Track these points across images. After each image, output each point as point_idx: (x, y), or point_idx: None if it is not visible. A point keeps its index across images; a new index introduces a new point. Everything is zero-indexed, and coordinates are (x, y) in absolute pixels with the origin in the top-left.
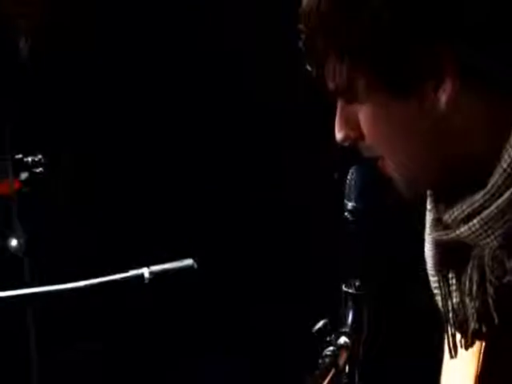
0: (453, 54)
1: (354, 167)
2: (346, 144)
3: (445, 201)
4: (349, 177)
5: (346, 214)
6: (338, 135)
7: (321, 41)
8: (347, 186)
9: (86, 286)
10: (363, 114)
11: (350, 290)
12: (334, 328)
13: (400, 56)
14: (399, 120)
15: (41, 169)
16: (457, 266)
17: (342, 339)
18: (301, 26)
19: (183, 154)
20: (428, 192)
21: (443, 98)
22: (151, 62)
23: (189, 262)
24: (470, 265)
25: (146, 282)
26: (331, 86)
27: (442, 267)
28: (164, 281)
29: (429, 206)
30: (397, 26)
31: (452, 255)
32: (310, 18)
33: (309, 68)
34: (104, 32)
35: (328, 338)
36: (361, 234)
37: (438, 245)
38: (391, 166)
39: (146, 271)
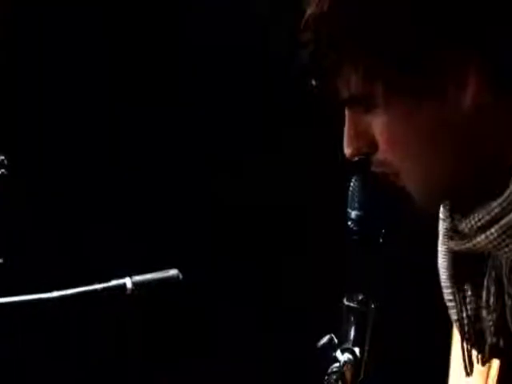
0: (478, 56)
1: (358, 172)
2: (356, 159)
3: (461, 209)
4: (352, 184)
5: (349, 223)
6: (348, 150)
7: (334, 51)
8: (350, 194)
9: (63, 296)
10: (380, 123)
11: (352, 305)
12: (340, 343)
13: (423, 59)
14: (420, 126)
15: (3, 170)
16: (473, 278)
17: (346, 356)
18: (306, 36)
19: (166, 153)
20: None
21: (467, 101)
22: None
23: (174, 272)
24: (487, 276)
25: (129, 292)
26: (345, 95)
27: (457, 279)
28: (147, 291)
29: (442, 215)
30: (420, 29)
31: (468, 266)
32: (320, 28)
33: (313, 79)
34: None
35: (333, 354)
36: (365, 245)
37: (454, 255)
38: (407, 179)
39: (128, 281)
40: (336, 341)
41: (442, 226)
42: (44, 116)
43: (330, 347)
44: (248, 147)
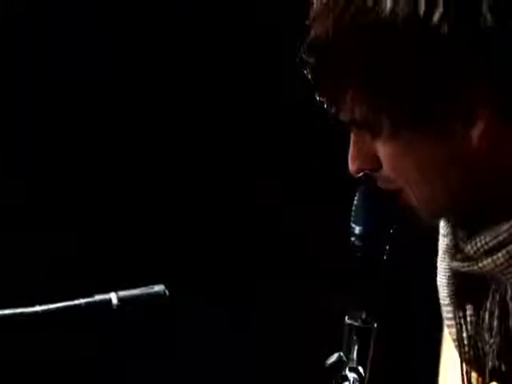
0: (486, 89)
1: (361, 186)
2: (360, 175)
3: (466, 228)
4: (356, 197)
5: (353, 239)
6: (352, 167)
7: (337, 76)
8: (354, 208)
9: (46, 311)
10: (384, 152)
11: (356, 323)
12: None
13: (429, 93)
14: (425, 160)
15: None
16: (475, 297)
17: (351, 375)
18: (309, 57)
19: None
20: None
21: (475, 138)
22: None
23: (160, 287)
24: (490, 298)
25: (114, 308)
26: (347, 119)
27: (457, 297)
28: (133, 307)
29: (443, 231)
30: (425, 61)
31: (469, 285)
32: (325, 50)
33: (318, 97)
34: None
35: (343, 373)
36: (370, 262)
37: (454, 273)
38: (411, 197)
39: (113, 296)
40: (345, 359)
41: (442, 242)
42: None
43: (339, 365)
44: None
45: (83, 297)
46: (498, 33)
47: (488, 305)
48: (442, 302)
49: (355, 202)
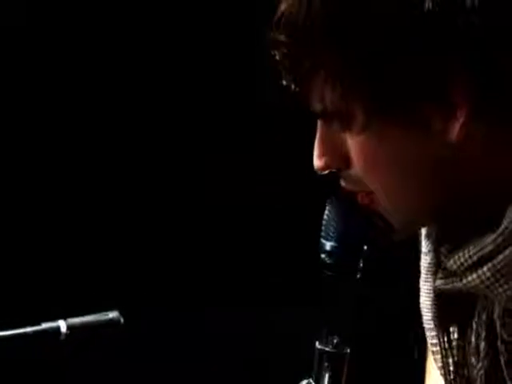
0: (466, 81)
1: (332, 197)
2: (325, 172)
3: (448, 243)
4: (327, 209)
5: (323, 256)
6: (318, 162)
7: (308, 59)
8: (324, 221)
9: None
10: (356, 144)
11: (327, 349)
12: None
13: (406, 80)
14: (401, 154)
15: None
16: (460, 319)
17: None
18: (279, 35)
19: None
20: (424, 232)
21: (454, 126)
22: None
23: (114, 314)
24: (476, 318)
25: (63, 337)
26: (317, 108)
27: (441, 320)
28: (84, 336)
29: (425, 249)
30: (403, 48)
31: (454, 306)
32: (296, 31)
33: (286, 82)
34: None
35: None
36: (342, 281)
37: (438, 294)
38: (384, 202)
39: (62, 324)
40: None
41: (424, 261)
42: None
43: None
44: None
45: (32, 324)
46: (479, 22)
47: (474, 326)
48: (425, 325)
49: (325, 216)
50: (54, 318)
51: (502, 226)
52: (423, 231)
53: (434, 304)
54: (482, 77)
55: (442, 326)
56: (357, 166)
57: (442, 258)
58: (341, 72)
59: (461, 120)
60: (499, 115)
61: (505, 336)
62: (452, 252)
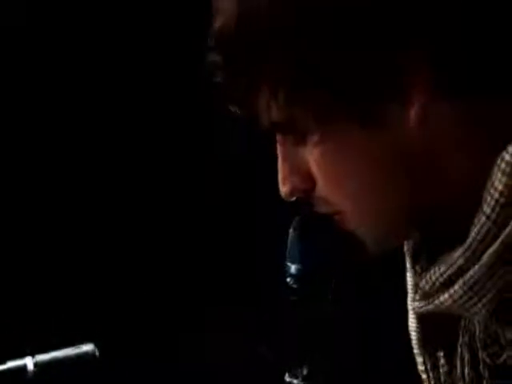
0: (420, 63)
1: (298, 216)
2: (293, 199)
3: (423, 259)
4: (291, 229)
5: (288, 279)
6: (284, 188)
7: (247, 74)
8: (289, 243)
9: None
10: (313, 156)
11: (295, 381)
12: None
13: (353, 75)
14: (360, 157)
15: None
16: (446, 343)
17: None
18: (214, 56)
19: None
20: (405, 247)
21: (412, 118)
22: None
23: (89, 347)
24: (461, 339)
25: (30, 375)
26: (265, 123)
27: (427, 343)
28: (55, 373)
29: (408, 265)
30: (344, 37)
31: (438, 328)
32: (230, 46)
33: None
34: None
35: None
36: (309, 307)
37: (421, 317)
38: (354, 220)
39: (29, 361)
40: None
41: (408, 280)
42: None
43: None
44: None
45: None
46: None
47: (459, 348)
48: (414, 349)
49: (290, 237)
50: (22, 355)
51: (470, 238)
52: (406, 247)
53: (419, 327)
54: (435, 56)
55: (427, 349)
56: (320, 184)
57: (416, 278)
58: (285, 81)
59: (416, 106)
60: (465, 99)
61: (487, 359)
62: (425, 270)
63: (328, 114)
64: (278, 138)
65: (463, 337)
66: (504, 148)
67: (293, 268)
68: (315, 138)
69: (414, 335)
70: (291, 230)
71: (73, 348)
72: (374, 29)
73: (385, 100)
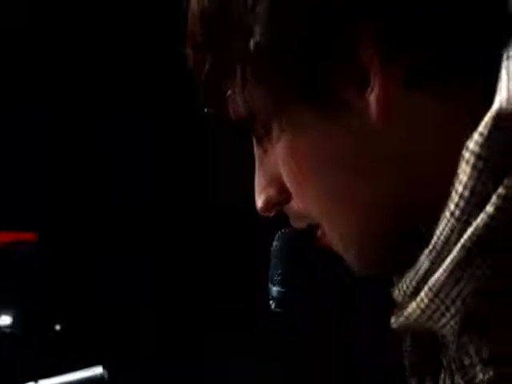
0: (376, 40)
1: (280, 233)
2: (270, 212)
3: (396, 270)
4: (273, 247)
5: (271, 303)
6: (259, 200)
7: (208, 57)
8: (272, 262)
9: None
10: (280, 161)
11: None
12: None
13: (307, 61)
14: (321, 153)
15: None
16: (432, 368)
17: None
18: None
19: None
20: None
21: (373, 107)
22: None
23: (98, 370)
24: (444, 362)
25: None
26: (234, 118)
27: (415, 369)
28: None
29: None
30: (292, 17)
31: (426, 352)
32: (194, 30)
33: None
34: None
35: None
36: (291, 331)
37: (412, 338)
38: (329, 231)
39: None
40: None
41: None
42: None
43: None
44: None
45: None
46: None
47: (442, 374)
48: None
49: (272, 259)
50: (28, 380)
51: (434, 238)
52: None
53: (407, 349)
54: (388, 36)
55: (416, 375)
56: (290, 190)
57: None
58: (241, 66)
59: (376, 90)
60: (438, 89)
61: (460, 381)
62: (398, 281)
63: (284, 101)
64: (254, 146)
65: (444, 358)
66: None
67: (274, 290)
68: (276, 132)
69: (405, 361)
70: (272, 252)
71: (81, 371)
72: (319, 4)
73: (340, 86)
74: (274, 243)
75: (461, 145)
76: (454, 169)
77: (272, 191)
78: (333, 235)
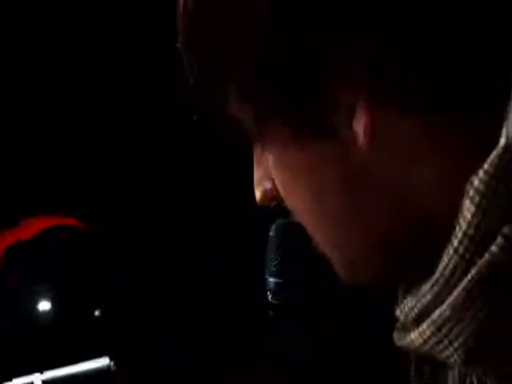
0: (364, 68)
1: (277, 223)
2: (267, 205)
3: (404, 283)
4: (270, 236)
5: (268, 293)
6: (257, 192)
7: (197, 67)
8: (268, 252)
9: None
10: (269, 164)
11: None
12: None
13: (293, 84)
14: (303, 170)
15: None
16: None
17: None
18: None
19: None
20: None
21: (360, 132)
22: None
23: (104, 361)
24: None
25: None
26: (221, 124)
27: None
28: None
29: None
30: (276, 37)
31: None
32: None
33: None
34: None
35: None
36: (291, 321)
37: (416, 356)
38: (322, 247)
39: (37, 379)
40: None
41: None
42: None
43: None
44: None
45: (3, 381)
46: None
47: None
48: None
49: (268, 249)
50: (31, 371)
51: (437, 273)
52: None
53: (414, 368)
54: (372, 59)
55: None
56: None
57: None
58: (228, 76)
59: (364, 121)
60: (427, 116)
61: None
62: (403, 296)
63: (268, 120)
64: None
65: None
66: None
67: (271, 282)
68: (261, 146)
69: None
70: (269, 243)
71: (87, 363)
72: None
73: (320, 106)
74: (271, 233)
75: (460, 176)
76: (454, 199)
77: (268, 185)
78: (322, 247)
